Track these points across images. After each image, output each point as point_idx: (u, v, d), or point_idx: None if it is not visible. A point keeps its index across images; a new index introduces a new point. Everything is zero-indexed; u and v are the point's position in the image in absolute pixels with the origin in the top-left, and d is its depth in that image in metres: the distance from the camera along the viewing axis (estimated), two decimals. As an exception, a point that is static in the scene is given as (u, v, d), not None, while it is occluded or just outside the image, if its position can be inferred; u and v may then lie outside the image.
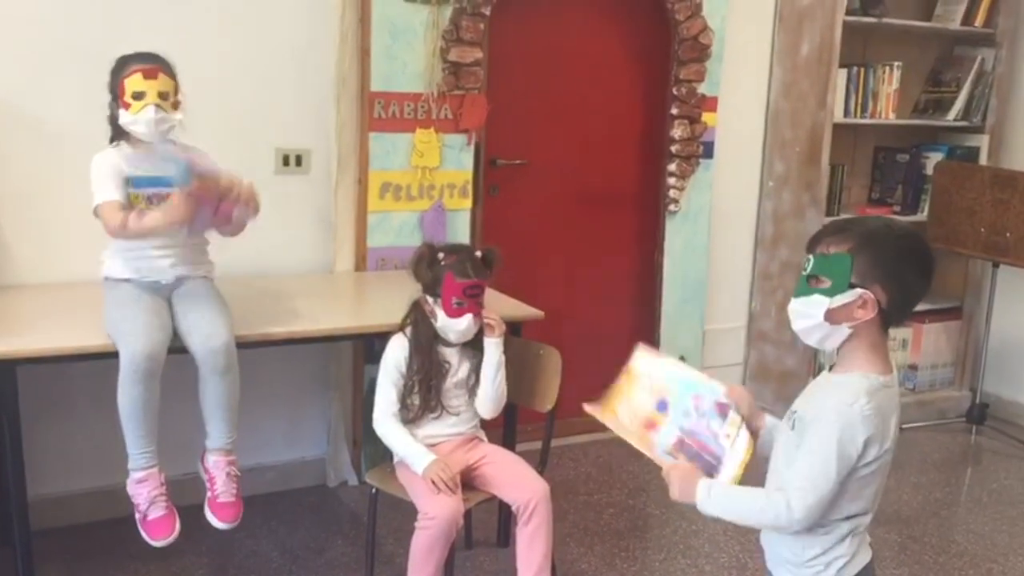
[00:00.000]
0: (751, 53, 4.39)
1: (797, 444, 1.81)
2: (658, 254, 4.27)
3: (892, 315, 1.81)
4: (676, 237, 4.24)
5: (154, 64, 2.56)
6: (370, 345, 3.48)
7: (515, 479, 2.73)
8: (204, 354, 2.56)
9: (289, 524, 3.36)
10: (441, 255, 2.76)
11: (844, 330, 1.79)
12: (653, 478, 3.95)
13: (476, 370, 2.82)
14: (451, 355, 2.80)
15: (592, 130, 4.12)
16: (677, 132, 4.14)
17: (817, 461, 1.75)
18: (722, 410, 1.95)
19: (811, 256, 1.84)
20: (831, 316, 1.79)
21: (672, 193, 4.19)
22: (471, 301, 2.72)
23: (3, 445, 2.65)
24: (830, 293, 1.78)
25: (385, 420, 2.75)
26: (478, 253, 2.81)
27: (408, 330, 2.80)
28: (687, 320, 4.35)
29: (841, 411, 1.75)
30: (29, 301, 2.92)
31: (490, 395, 2.82)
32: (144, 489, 2.55)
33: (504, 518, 3.23)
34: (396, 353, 2.78)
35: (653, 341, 4.32)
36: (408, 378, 2.76)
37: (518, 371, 2.97)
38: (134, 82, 2.53)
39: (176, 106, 2.61)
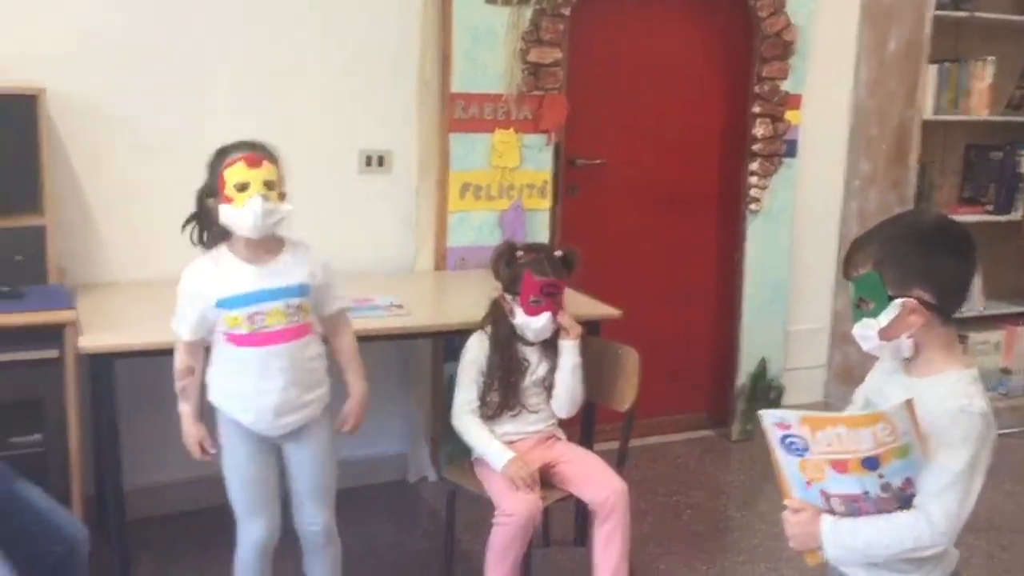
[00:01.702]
0: (836, 50, 4.31)
1: None
2: (739, 254, 4.22)
3: (947, 306, 1.74)
4: (758, 237, 4.19)
5: (257, 152, 2.27)
6: (450, 343, 3.53)
7: (593, 478, 2.74)
8: (305, 533, 2.56)
9: (369, 518, 3.42)
10: (520, 253, 2.78)
11: (906, 341, 1.74)
12: (734, 480, 3.91)
13: (555, 369, 2.83)
14: (530, 353, 2.82)
15: (672, 129, 4.10)
16: (759, 130, 4.08)
17: (950, 468, 1.66)
18: None
19: (849, 282, 1.80)
20: (886, 334, 1.74)
21: (754, 192, 4.13)
22: (548, 299, 2.73)
23: (100, 437, 2.77)
24: (876, 313, 1.74)
25: (463, 417, 2.79)
26: (557, 252, 2.83)
27: (488, 328, 2.83)
28: (769, 321, 4.29)
29: (963, 410, 1.67)
30: (124, 298, 3.04)
31: (565, 397, 2.83)
32: None
33: (581, 517, 3.24)
34: (475, 350, 2.81)
35: (733, 342, 4.28)
36: (487, 375, 2.79)
37: (596, 370, 2.98)
38: (236, 172, 2.23)
39: (282, 197, 2.30)
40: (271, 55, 3.32)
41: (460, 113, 3.53)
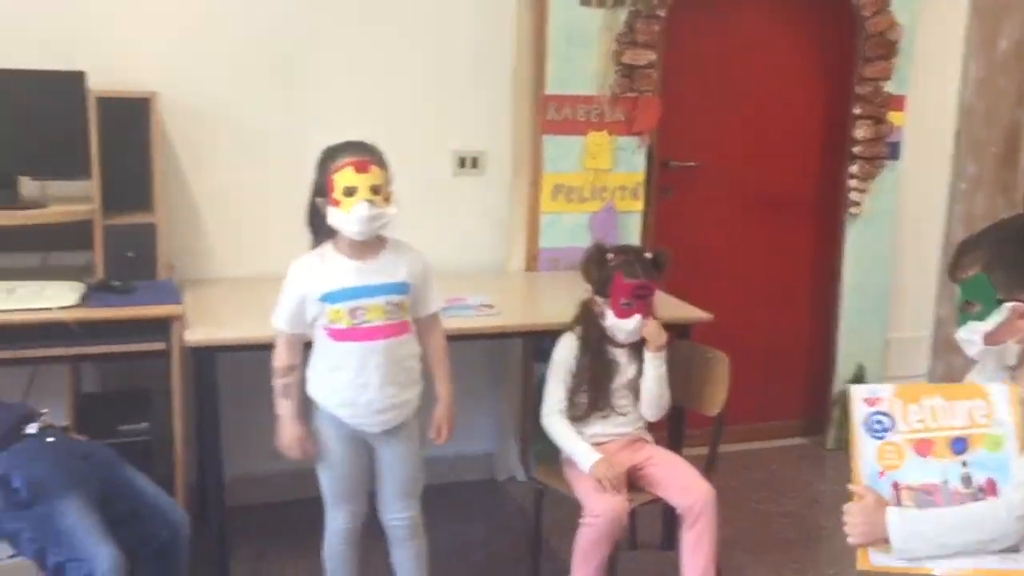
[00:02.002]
0: (943, 48, 4.17)
1: None
2: (836, 259, 4.13)
3: None
4: (857, 241, 4.09)
5: (365, 156, 2.34)
6: (540, 343, 3.55)
7: (681, 481, 2.73)
8: (391, 526, 2.62)
9: (457, 516, 3.47)
10: (610, 255, 2.79)
11: (1013, 346, 1.69)
12: (827, 488, 3.83)
13: (638, 375, 2.82)
14: (620, 355, 2.82)
15: (769, 131, 4.03)
16: (860, 132, 3.98)
17: None
18: None
19: (955, 284, 1.77)
20: (992, 338, 1.70)
21: (853, 196, 4.04)
22: (640, 302, 2.73)
23: (203, 427, 2.88)
24: (982, 316, 1.70)
25: (552, 417, 2.81)
26: (648, 254, 2.82)
27: (578, 329, 2.84)
28: (868, 328, 4.18)
29: None
30: (228, 294, 3.15)
31: (651, 402, 2.83)
32: None
33: (669, 521, 3.22)
34: (565, 352, 2.82)
35: (830, 348, 4.19)
36: (576, 376, 2.80)
37: (686, 374, 2.96)
38: (345, 176, 2.30)
39: (388, 198, 2.36)
40: (370, 58, 3.39)
41: (553, 115, 3.54)
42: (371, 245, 2.43)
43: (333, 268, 2.41)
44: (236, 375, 3.02)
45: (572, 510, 2.72)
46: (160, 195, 2.98)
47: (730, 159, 3.99)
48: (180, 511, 2.50)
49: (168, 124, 3.14)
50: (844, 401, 4.12)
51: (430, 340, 2.58)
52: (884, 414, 1.65)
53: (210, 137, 3.25)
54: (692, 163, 3.94)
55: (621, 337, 2.77)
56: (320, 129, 2.84)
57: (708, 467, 2.87)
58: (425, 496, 2.68)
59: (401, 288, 2.44)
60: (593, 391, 2.80)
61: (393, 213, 2.37)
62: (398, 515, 2.60)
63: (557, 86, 3.53)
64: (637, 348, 2.83)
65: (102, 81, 2.93)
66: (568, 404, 2.81)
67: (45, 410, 2.51)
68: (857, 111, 3.97)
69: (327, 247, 2.44)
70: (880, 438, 1.65)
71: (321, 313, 2.42)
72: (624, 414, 2.84)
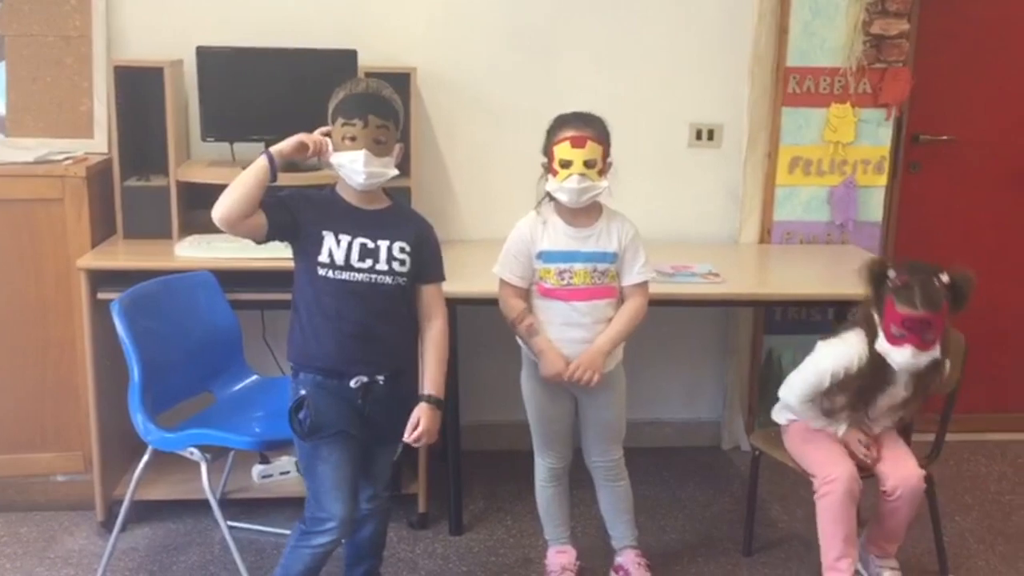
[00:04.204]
0: None
1: None
2: (1109, 243, 3.80)
3: None
4: None
5: (583, 131, 2.48)
6: (771, 315, 3.56)
7: (891, 459, 2.69)
8: (596, 467, 2.78)
9: (680, 477, 3.56)
10: (891, 273, 2.54)
11: None
12: (1079, 487, 3.58)
13: (909, 402, 2.67)
14: (899, 375, 2.60)
15: (1032, 104, 3.77)
16: None
17: None
18: None
19: None
20: None
21: None
22: (912, 335, 2.47)
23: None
24: None
25: (799, 402, 2.72)
26: (944, 277, 2.50)
27: (865, 333, 2.60)
28: None
29: None
30: (472, 253, 3.36)
31: None
32: (557, 559, 2.84)
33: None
34: (852, 351, 2.61)
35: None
36: (845, 378, 2.62)
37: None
38: (562, 150, 2.49)
39: (602, 172, 2.51)
40: (611, 34, 3.49)
41: (794, 87, 3.51)
42: (587, 212, 2.60)
43: (551, 230, 2.60)
44: (473, 330, 3.28)
45: (795, 482, 2.72)
46: (415, 161, 3.27)
47: (988, 133, 3.78)
48: None
49: (425, 97, 3.43)
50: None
51: (627, 303, 2.64)
52: None
53: (459, 108, 3.50)
54: (945, 137, 3.77)
55: (893, 364, 2.55)
56: (561, 102, 2.99)
57: (934, 450, 2.80)
58: (652, 456, 2.78)
59: (609, 257, 2.60)
60: (854, 398, 2.63)
61: (604, 186, 2.52)
62: (601, 458, 2.76)
63: (798, 58, 3.49)
64: (918, 375, 2.59)
65: (370, 58, 3.25)
66: (824, 401, 2.68)
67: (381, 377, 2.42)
68: None
69: (549, 209, 2.62)
70: None
71: (536, 269, 2.63)
72: (874, 421, 2.72)
